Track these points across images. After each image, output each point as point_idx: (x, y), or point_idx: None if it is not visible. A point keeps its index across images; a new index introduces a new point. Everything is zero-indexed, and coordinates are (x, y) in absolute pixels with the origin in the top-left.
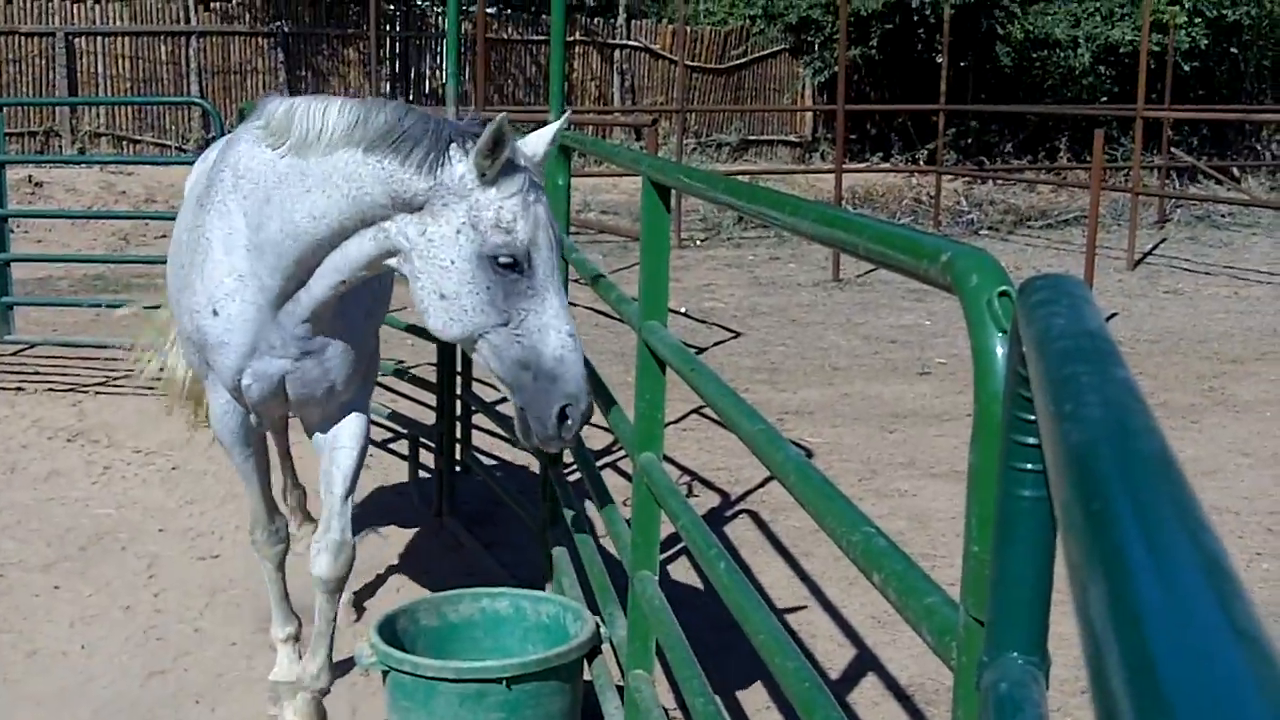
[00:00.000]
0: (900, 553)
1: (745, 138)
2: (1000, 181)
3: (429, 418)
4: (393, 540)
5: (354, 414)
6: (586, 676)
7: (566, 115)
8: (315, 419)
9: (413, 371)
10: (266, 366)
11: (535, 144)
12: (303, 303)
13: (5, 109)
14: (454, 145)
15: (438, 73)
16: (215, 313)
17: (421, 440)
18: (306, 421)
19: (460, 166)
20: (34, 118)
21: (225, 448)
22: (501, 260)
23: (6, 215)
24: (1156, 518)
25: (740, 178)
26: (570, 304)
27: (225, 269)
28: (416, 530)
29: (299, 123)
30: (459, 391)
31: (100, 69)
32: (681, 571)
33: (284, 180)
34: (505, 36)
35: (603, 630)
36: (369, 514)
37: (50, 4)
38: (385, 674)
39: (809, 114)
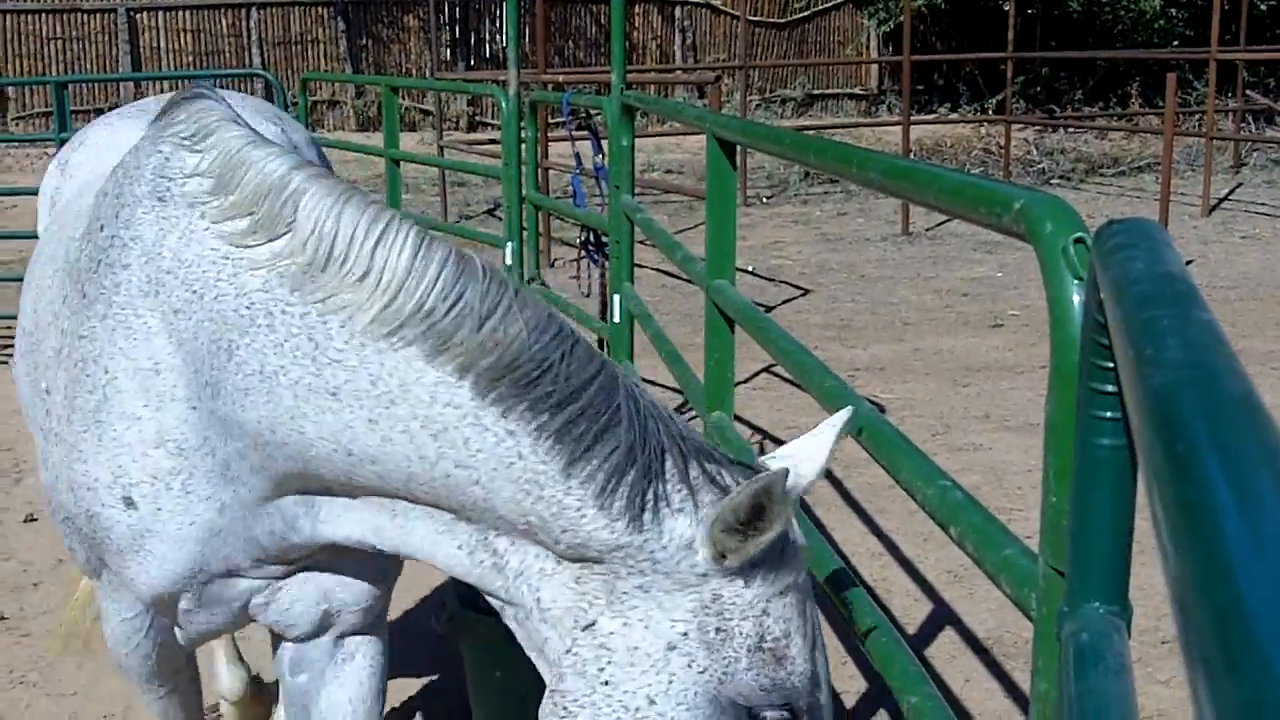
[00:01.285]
0: (977, 505)
1: (810, 92)
2: (1071, 129)
3: None
4: None
5: (366, 637)
6: None
7: (847, 415)
8: (294, 637)
9: None
10: (221, 590)
11: (809, 466)
12: (301, 530)
13: (71, 86)
14: (675, 474)
15: (498, 36)
16: (129, 502)
17: None
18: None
19: (685, 525)
20: (99, 95)
21: (130, 680)
22: (766, 717)
23: None
24: (1243, 458)
25: (805, 133)
26: (636, 265)
27: (149, 434)
28: None
29: (311, 226)
30: None
31: (162, 44)
32: None
33: (267, 328)
34: None
35: None
36: None
37: None
38: (460, 638)
39: (874, 66)
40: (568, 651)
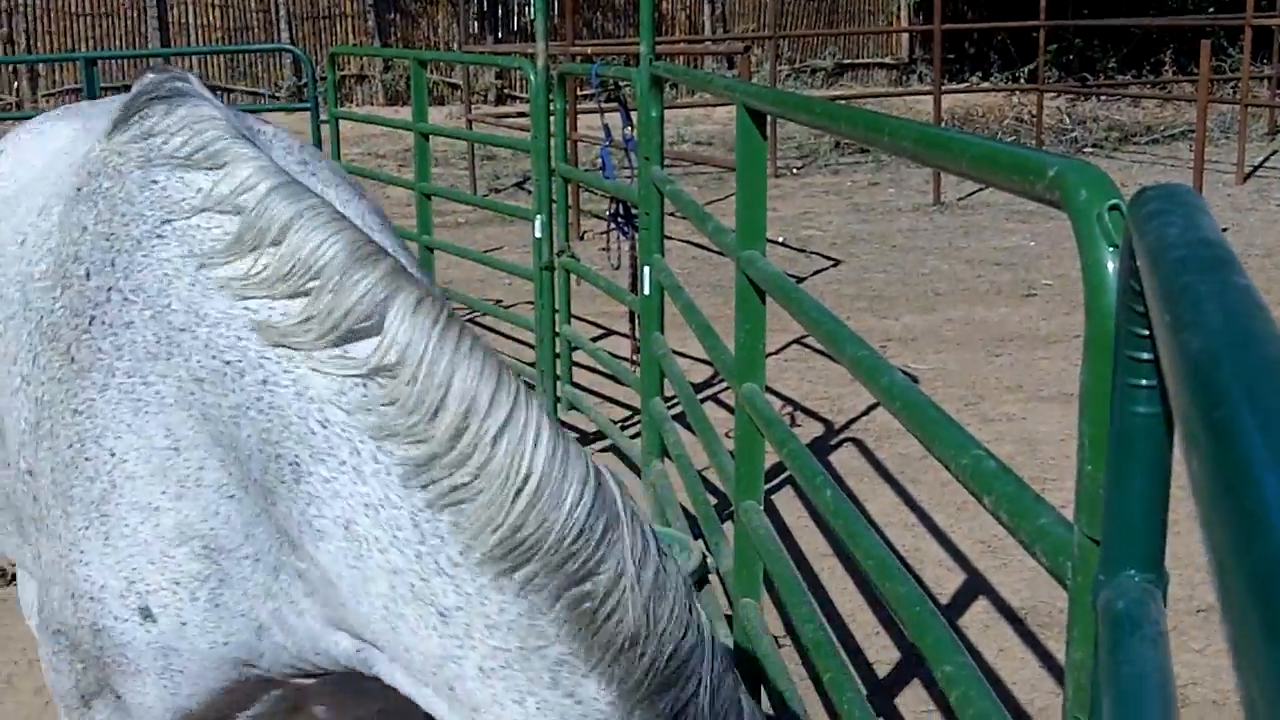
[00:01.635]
0: (1011, 474)
1: (840, 62)
2: (1104, 98)
3: (527, 355)
4: None
5: None
6: None
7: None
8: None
9: (511, 310)
10: (253, 693)
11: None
12: (352, 661)
13: (100, 62)
14: None
15: (526, 9)
16: (146, 614)
17: (522, 378)
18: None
19: None
20: (129, 71)
21: None
22: None
23: None
24: None
25: (836, 103)
26: (666, 237)
27: (168, 531)
28: None
29: (413, 365)
30: (557, 329)
31: (191, 19)
32: (783, 502)
33: (354, 473)
34: None
35: (709, 559)
36: None
37: None
38: None
39: (905, 35)
40: None
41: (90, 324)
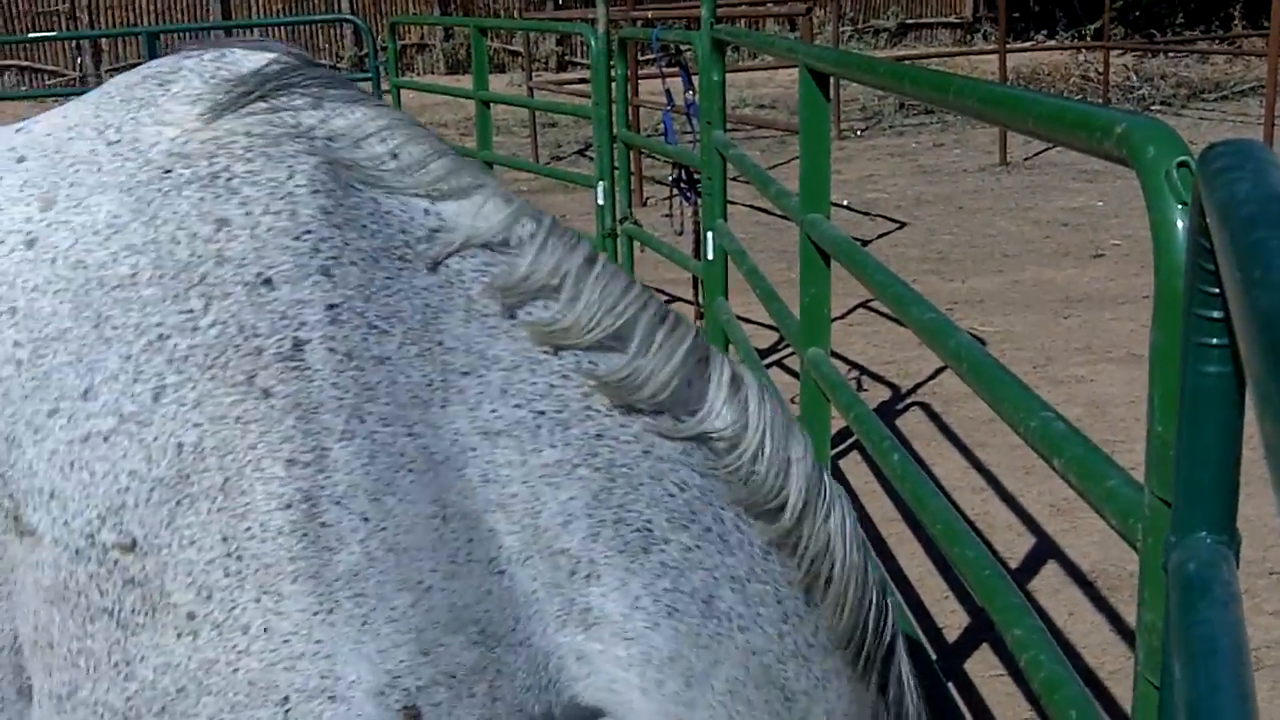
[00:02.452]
0: (1080, 436)
1: (903, 22)
2: (1171, 54)
3: None
4: None
5: None
6: None
7: None
8: None
9: None
10: None
11: None
12: None
13: (162, 36)
14: None
15: None
16: (414, 716)
17: None
18: None
19: None
20: (190, 44)
21: None
22: None
23: None
24: None
25: (901, 63)
26: (729, 202)
27: (441, 615)
28: None
29: (757, 450)
30: None
31: None
32: (850, 467)
33: (720, 542)
34: None
35: None
36: None
37: None
38: None
39: None
40: None
41: (297, 349)
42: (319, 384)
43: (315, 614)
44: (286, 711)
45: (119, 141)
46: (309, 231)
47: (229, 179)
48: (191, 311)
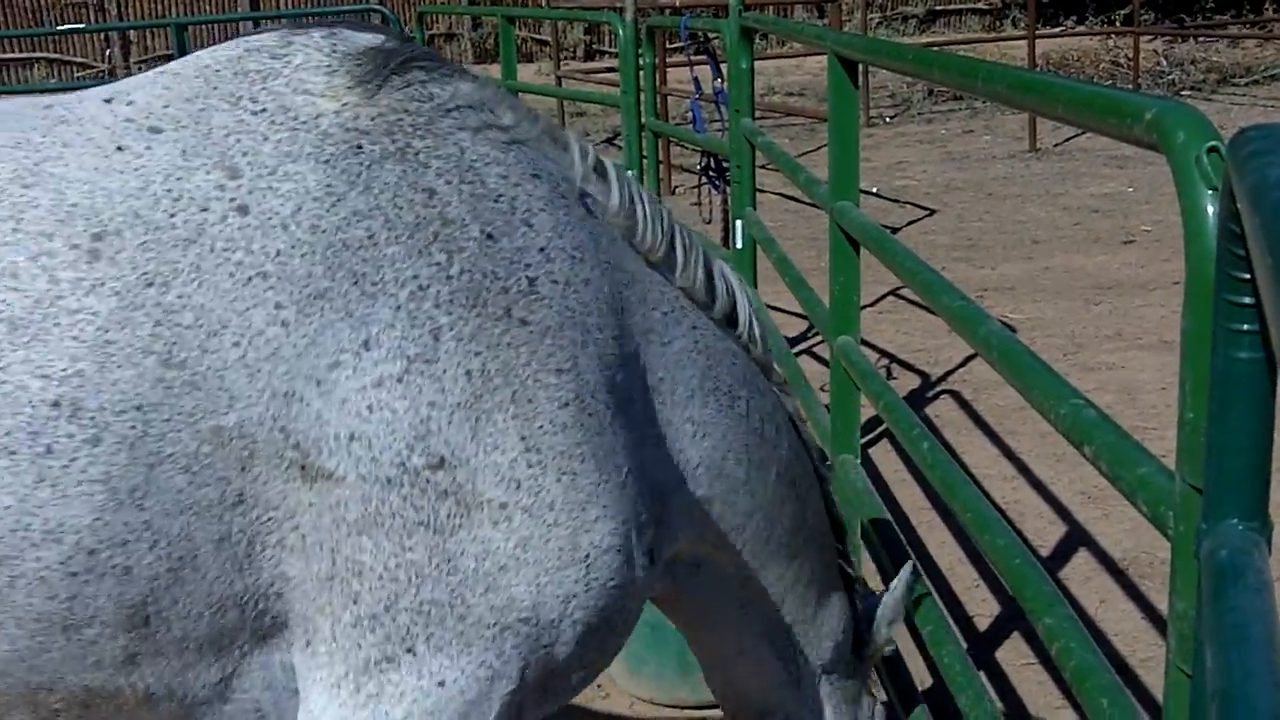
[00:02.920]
0: (1111, 423)
1: (932, 8)
2: (1202, 39)
3: None
4: None
5: None
6: None
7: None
8: None
9: None
10: None
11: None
12: None
13: (191, 28)
14: None
15: None
16: (653, 556)
17: None
18: None
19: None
20: (219, 35)
21: None
22: None
23: None
24: None
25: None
26: (758, 190)
27: (644, 476)
28: None
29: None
30: None
31: None
32: (880, 456)
33: (759, 392)
34: None
35: None
36: None
37: None
38: None
39: None
40: None
41: (532, 285)
42: (556, 309)
43: (601, 485)
44: (588, 566)
45: (265, 111)
46: (501, 195)
47: (415, 153)
48: (439, 264)
